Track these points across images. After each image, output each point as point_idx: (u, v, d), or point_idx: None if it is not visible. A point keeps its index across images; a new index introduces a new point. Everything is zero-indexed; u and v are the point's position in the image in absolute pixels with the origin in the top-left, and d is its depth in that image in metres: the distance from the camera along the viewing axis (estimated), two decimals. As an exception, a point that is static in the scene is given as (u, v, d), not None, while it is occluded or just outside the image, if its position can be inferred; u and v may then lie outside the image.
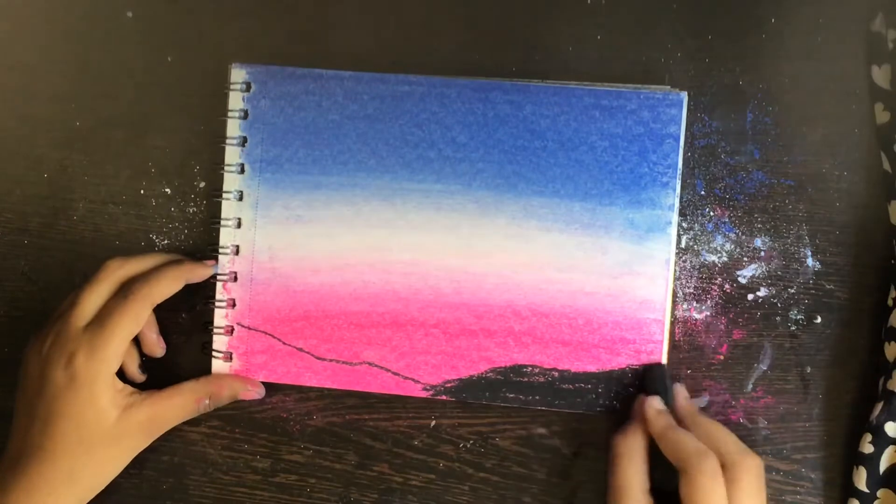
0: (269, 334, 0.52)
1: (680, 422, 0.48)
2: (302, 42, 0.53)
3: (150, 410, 0.49)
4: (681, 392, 0.50)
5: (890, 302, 0.50)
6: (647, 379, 0.50)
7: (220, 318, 0.52)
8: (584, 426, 0.52)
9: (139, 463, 0.51)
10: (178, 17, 0.54)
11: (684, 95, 0.49)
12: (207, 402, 0.51)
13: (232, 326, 0.52)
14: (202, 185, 0.54)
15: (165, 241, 0.54)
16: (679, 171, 0.49)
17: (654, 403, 0.48)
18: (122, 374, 0.50)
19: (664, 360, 0.50)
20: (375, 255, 0.51)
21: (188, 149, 0.54)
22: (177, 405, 0.50)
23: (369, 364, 0.51)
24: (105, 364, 0.47)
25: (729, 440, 0.46)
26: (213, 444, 0.54)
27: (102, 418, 0.47)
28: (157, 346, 0.52)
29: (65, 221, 0.54)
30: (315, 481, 0.53)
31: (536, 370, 0.50)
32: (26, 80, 0.54)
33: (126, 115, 0.54)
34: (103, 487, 0.49)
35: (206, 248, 0.53)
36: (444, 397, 0.51)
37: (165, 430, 0.50)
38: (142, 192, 0.54)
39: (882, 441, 0.48)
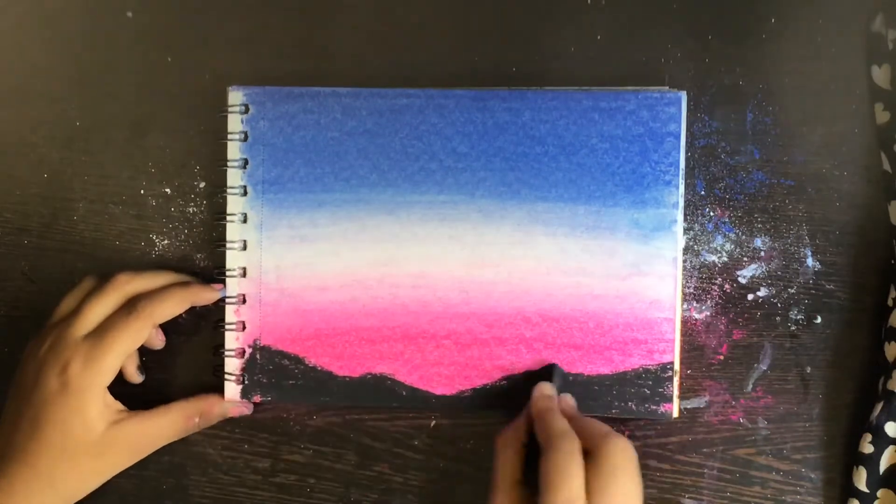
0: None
1: None
2: (301, 42, 0.53)
3: (137, 428, 0.49)
4: (568, 397, 0.49)
5: (890, 302, 0.50)
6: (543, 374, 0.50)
7: (232, 340, 0.52)
8: (584, 426, 0.52)
9: (139, 463, 0.50)
10: (178, 18, 0.54)
11: (683, 94, 0.49)
12: (197, 420, 0.51)
13: (243, 349, 0.52)
14: (202, 185, 0.54)
15: (165, 241, 0.54)
16: (681, 169, 0.49)
17: (545, 388, 0.48)
18: (120, 375, 0.50)
19: (677, 360, 0.50)
20: (382, 270, 0.51)
21: (188, 149, 0.54)
22: (165, 424, 0.50)
23: (383, 378, 0.51)
24: (99, 376, 0.47)
25: (595, 425, 0.45)
26: (213, 444, 0.54)
27: (88, 429, 0.47)
28: (155, 339, 0.52)
29: (65, 221, 0.54)
30: (315, 481, 0.53)
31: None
32: (26, 80, 0.54)
33: (126, 115, 0.54)
34: (83, 496, 0.49)
35: (207, 249, 0.53)
36: (459, 409, 0.51)
37: (153, 450, 0.50)
38: (142, 192, 0.54)
39: (882, 441, 0.48)
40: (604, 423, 0.45)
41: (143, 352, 0.52)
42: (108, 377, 0.48)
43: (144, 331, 0.49)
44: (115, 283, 0.50)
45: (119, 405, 0.49)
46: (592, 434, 0.44)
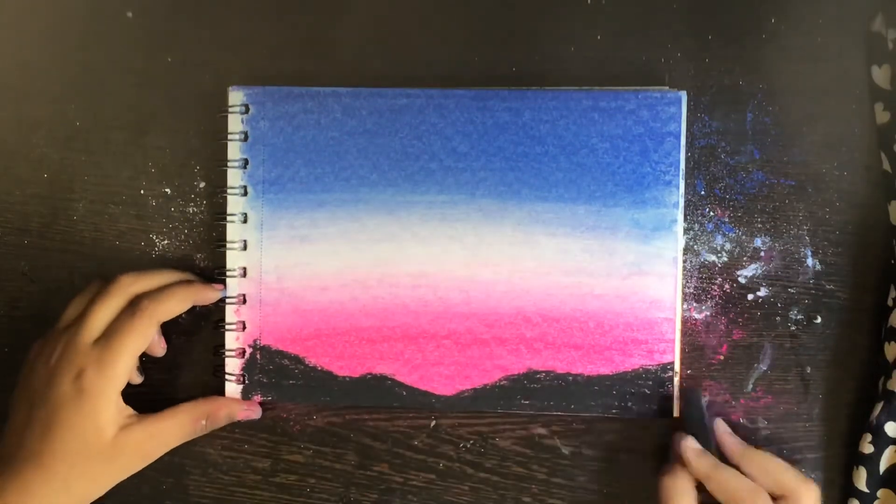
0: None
1: (725, 458, 0.48)
2: (301, 42, 0.53)
3: (146, 432, 0.49)
4: (721, 427, 0.50)
5: (890, 302, 0.50)
6: (683, 410, 0.50)
7: (232, 340, 0.52)
8: (583, 426, 0.52)
9: (139, 463, 0.51)
10: (178, 18, 0.54)
11: (683, 94, 0.49)
12: (204, 422, 0.51)
13: (243, 349, 0.52)
14: (202, 185, 0.54)
15: (165, 241, 0.54)
16: (682, 169, 0.49)
17: (692, 445, 0.48)
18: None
19: (677, 360, 0.50)
20: (382, 270, 0.51)
21: (188, 149, 0.54)
22: (173, 427, 0.50)
23: (383, 378, 0.51)
24: (113, 380, 0.48)
25: (782, 471, 0.46)
26: (213, 444, 0.54)
27: (100, 433, 0.47)
28: (157, 347, 0.52)
29: (65, 221, 0.54)
30: (315, 481, 0.53)
31: (550, 376, 0.50)
32: (26, 80, 0.54)
33: (126, 115, 0.54)
34: (96, 498, 0.48)
35: (207, 249, 0.53)
36: (460, 409, 0.52)
37: (163, 453, 0.50)
38: (142, 192, 0.54)
39: (882, 441, 0.48)
40: (783, 463, 0.47)
41: (143, 353, 0.52)
42: (122, 381, 0.48)
43: (150, 330, 0.49)
44: (119, 284, 0.50)
45: (129, 410, 0.49)
46: (782, 481, 0.46)
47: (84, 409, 0.47)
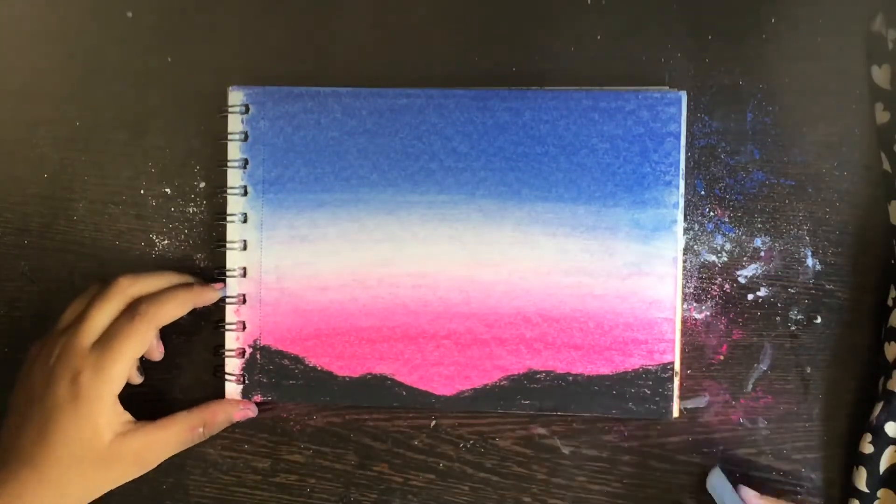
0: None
1: None
2: (301, 42, 0.53)
3: (143, 440, 0.49)
4: (750, 494, 0.49)
5: (890, 302, 0.50)
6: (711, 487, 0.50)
7: (232, 340, 0.52)
8: (583, 426, 0.52)
9: (139, 463, 0.51)
10: (178, 18, 0.54)
11: (683, 94, 0.49)
12: (202, 430, 0.51)
13: (243, 349, 0.52)
14: (202, 185, 0.54)
15: (165, 241, 0.54)
16: (682, 169, 0.49)
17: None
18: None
19: (677, 360, 0.50)
20: (382, 270, 0.51)
21: (188, 149, 0.54)
22: (170, 435, 0.50)
23: (383, 378, 0.51)
24: (110, 384, 0.47)
25: None
26: (213, 444, 0.54)
27: (96, 438, 0.47)
28: (155, 351, 0.52)
29: (65, 221, 0.54)
30: (315, 481, 0.53)
31: (550, 376, 0.50)
32: (26, 79, 0.54)
33: (126, 115, 0.54)
34: (91, 500, 0.48)
35: (207, 249, 0.53)
36: (459, 409, 0.52)
37: (160, 461, 0.50)
38: (142, 192, 0.54)
39: (882, 441, 0.48)
40: None
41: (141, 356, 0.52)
42: (119, 384, 0.48)
43: (149, 334, 0.49)
44: (117, 287, 0.49)
45: (127, 416, 0.49)
46: None
47: (79, 413, 0.47)
